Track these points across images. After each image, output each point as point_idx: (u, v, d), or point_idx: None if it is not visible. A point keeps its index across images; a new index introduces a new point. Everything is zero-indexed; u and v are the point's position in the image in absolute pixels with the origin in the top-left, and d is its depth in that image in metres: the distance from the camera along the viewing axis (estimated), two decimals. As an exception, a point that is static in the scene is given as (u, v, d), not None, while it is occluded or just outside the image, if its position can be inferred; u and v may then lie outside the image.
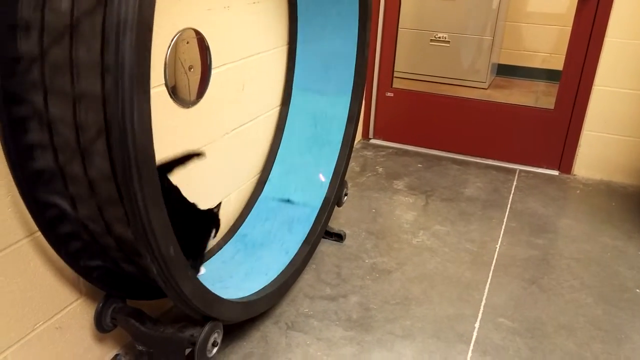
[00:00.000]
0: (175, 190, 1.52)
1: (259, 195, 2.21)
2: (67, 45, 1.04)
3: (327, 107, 2.24)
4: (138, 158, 1.03)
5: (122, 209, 1.12)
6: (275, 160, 2.26)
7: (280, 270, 1.90)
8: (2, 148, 1.16)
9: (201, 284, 1.36)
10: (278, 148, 2.28)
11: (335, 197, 2.19)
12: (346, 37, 2.16)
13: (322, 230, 2.14)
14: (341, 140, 2.23)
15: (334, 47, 2.18)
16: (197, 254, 1.69)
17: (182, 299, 1.30)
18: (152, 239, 1.12)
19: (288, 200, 2.17)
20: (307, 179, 2.18)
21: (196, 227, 1.63)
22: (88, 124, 1.07)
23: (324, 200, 2.16)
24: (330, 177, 2.20)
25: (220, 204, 1.71)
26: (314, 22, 2.20)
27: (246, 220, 2.11)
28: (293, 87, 2.29)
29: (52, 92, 1.10)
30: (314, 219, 2.11)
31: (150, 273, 1.21)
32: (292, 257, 1.97)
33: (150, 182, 1.08)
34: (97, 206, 1.18)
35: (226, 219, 2.06)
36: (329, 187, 2.18)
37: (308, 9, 2.18)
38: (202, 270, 1.78)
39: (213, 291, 1.42)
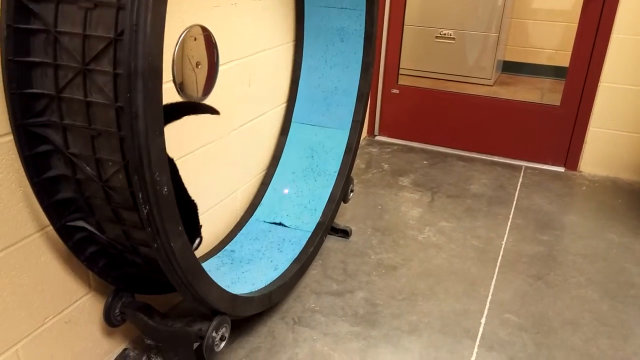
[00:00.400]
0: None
1: (250, 218, 2.16)
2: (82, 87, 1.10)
3: (325, 139, 2.24)
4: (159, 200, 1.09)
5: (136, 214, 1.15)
6: (269, 188, 2.23)
7: (268, 283, 1.83)
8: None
9: (211, 279, 1.37)
10: (272, 177, 2.25)
11: (329, 222, 2.17)
12: (349, 68, 2.19)
13: (315, 251, 2.08)
14: (337, 170, 2.22)
15: (337, 82, 2.21)
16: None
17: (193, 294, 1.31)
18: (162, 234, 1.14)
19: (280, 224, 2.14)
20: (300, 206, 2.15)
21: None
22: (97, 37, 1.08)
23: (317, 225, 2.12)
24: (325, 204, 2.18)
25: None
26: (317, 53, 2.22)
27: (234, 238, 2.04)
28: (292, 120, 2.29)
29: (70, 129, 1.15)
30: (305, 241, 2.06)
31: (162, 267, 1.23)
32: (282, 272, 1.89)
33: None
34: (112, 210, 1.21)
35: (214, 237, 2.02)
36: (322, 213, 2.16)
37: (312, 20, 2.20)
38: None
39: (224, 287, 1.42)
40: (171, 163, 1.48)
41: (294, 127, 2.30)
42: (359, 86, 2.20)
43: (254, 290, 1.74)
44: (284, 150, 2.28)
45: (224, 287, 1.45)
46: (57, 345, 1.45)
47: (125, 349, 1.66)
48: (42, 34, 1.11)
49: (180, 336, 1.46)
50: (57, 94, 1.12)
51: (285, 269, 1.91)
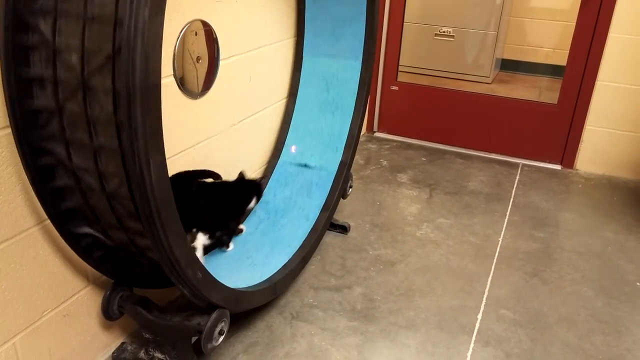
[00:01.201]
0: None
1: (277, 161, 2.26)
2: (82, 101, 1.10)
3: (338, 71, 2.25)
4: (157, 203, 1.10)
5: (132, 204, 1.15)
6: (290, 126, 2.29)
7: (304, 239, 1.99)
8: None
9: (209, 273, 1.38)
10: (292, 113, 2.30)
11: (350, 161, 2.23)
12: (351, 54, 2.20)
13: (339, 195, 2.20)
14: (354, 105, 2.24)
15: (344, 12, 2.19)
16: (236, 223, 1.92)
17: (191, 288, 1.32)
18: (165, 241, 1.17)
19: (305, 165, 2.22)
20: (322, 144, 2.20)
21: (238, 196, 1.87)
22: (95, 51, 1.08)
23: (339, 164, 2.20)
24: (345, 142, 2.23)
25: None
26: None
27: (267, 186, 2.16)
28: (304, 53, 2.30)
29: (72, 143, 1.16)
30: (331, 183, 2.16)
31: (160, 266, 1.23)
32: (313, 223, 2.04)
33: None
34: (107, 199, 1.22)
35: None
36: (344, 151, 2.22)
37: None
38: (231, 246, 1.88)
39: (242, 269, 1.44)
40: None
41: (306, 60, 2.31)
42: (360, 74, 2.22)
43: (290, 256, 1.88)
44: (300, 85, 2.32)
45: (264, 257, 1.58)
46: (54, 339, 1.45)
47: (123, 343, 1.66)
48: (41, 47, 1.11)
49: (178, 330, 1.46)
50: (57, 108, 1.13)
51: (315, 218, 2.04)
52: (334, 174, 2.20)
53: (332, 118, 2.26)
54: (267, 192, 2.15)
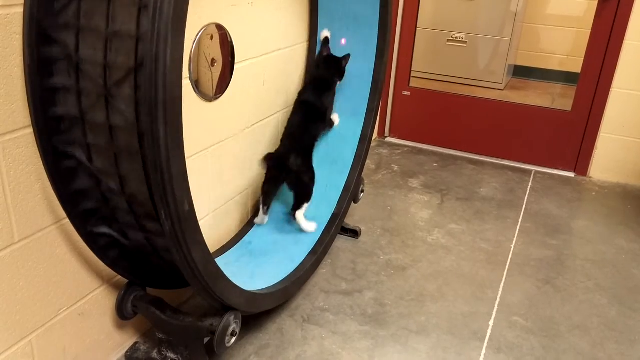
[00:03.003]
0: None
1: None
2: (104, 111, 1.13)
3: (339, 128, 2.26)
4: (180, 217, 1.13)
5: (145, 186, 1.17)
6: None
7: (285, 276, 1.87)
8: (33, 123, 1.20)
9: (222, 272, 1.39)
10: None
11: (343, 213, 2.20)
12: (364, 55, 2.20)
13: (330, 243, 2.14)
14: (353, 158, 2.25)
15: (357, 15, 2.18)
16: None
17: (214, 296, 1.35)
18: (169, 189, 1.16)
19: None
20: (316, 194, 2.15)
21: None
22: (117, 65, 1.10)
23: (332, 216, 2.16)
24: (340, 193, 2.21)
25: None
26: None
27: (251, 230, 2.08)
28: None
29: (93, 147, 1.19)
30: (321, 232, 2.11)
31: (177, 264, 1.25)
32: (298, 265, 1.95)
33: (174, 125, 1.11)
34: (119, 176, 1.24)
35: (229, 230, 2.06)
36: (337, 204, 2.19)
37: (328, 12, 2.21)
38: (267, 218, 2.06)
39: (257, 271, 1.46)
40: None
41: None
42: (373, 73, 2.22)
43: (273, 284, 1.77)
44: None
45: (245, 280, 1.48)
46: (70, 337, 1.47)
47: (136, 342, 1.68)
48: (64, 59, 1.14)
49: (191, 331, 1.47)
50: (80, 115, 1.15)
51: (301, 261, 1.95)
52: (325, 224, 2.14)
53: (344, 121, 2.26)
54: (251, 235, 2.07)
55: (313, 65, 2.24)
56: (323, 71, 2.13)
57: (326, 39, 2.20)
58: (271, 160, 1.97)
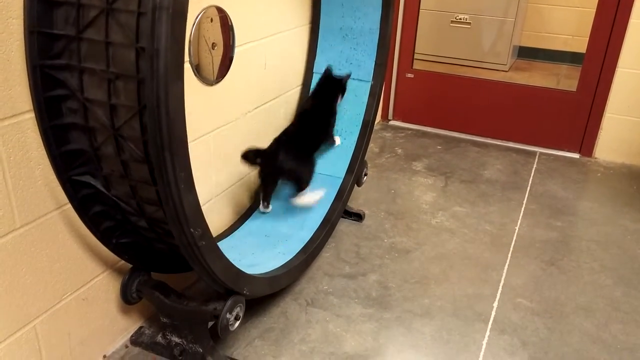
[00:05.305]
0: None
1: None
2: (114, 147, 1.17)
3: (354, 56, 2.25)
4: (173, 145, 1.10)
5: (154, 190, 1.17)
6: None
7: (300, 248, 1.92)
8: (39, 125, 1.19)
9: (227, 259, 1.38)
10: None
11: (346, 196, 2.22)
12: (369, 16, 2.17)
13: (354, 183, 2.24)
14: (356, 141, 2.25)
15: (356, 27, 2.19)
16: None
17: (210, 274, 1.33)
18: (183, 220, 1.18)
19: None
20: (337, 126, 2.20)
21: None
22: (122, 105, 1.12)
23: (355, 146, 2.23)
24: (359, 128, 2.24)
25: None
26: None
27: (254, 213, 2.09)
28: (319, 40, 2.30)
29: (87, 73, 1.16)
30: (325, 212, 2.13)
31: (180, 250, 1.24)
32: (300, 249, 1.95)
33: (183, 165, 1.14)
34: (129, 186, 1.23)
35: (232, 213, 2.06)
36: (358, 136, 2.24)
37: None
38: (270, 208, 2.05)
39: (240, 267, 1.44)
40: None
41: (321, 46, 2.31)
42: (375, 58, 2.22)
43: (275, 268, 1.78)
44: (314, 72, 2.32)
45: (247, 263, 1.49)
46: (74, 322, 1.48)
47: (141, 327, 1.69)
48: (72, 100, 1.17)
49: (195, 315, 1.48)
50: (77, 35, 1.12)
51: (299, 249, 1.95)
52: (348, 161, 2.18)
53: (347, 102, 2.25)
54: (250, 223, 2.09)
55: (315, 85, 2.16)
56: (325, 90, 2.10)
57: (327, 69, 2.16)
58: (261, 159, 1.92)
